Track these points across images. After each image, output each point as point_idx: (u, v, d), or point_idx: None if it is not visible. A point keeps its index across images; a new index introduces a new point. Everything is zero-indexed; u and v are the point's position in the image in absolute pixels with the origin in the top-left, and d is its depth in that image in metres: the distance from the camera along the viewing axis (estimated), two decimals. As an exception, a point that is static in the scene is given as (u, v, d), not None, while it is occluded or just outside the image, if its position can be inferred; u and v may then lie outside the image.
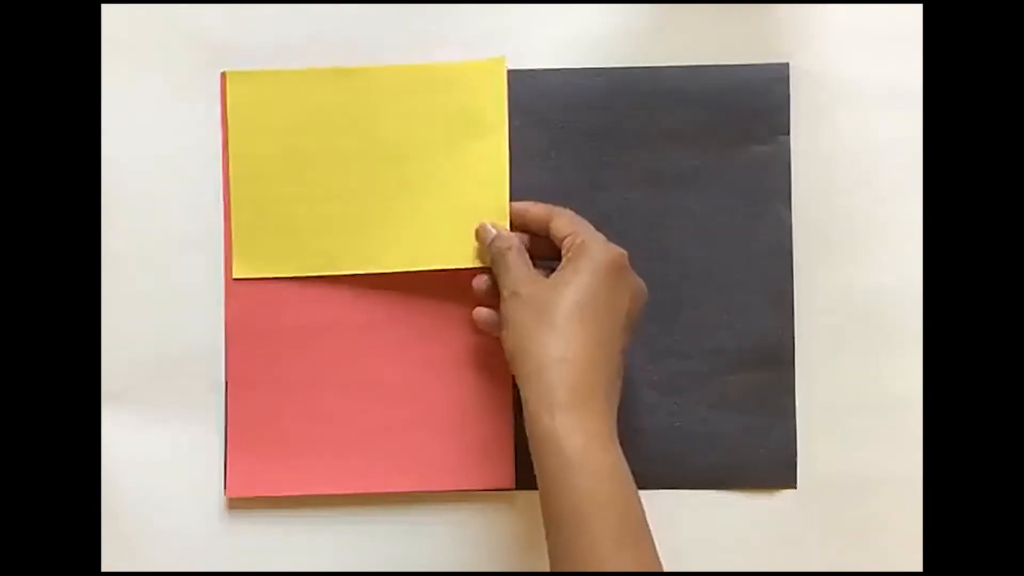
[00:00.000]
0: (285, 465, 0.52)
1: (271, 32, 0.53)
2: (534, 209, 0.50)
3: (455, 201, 0.52)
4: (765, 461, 0.52)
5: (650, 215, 0.52)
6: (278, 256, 0.52)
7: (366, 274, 0.52)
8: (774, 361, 0.52)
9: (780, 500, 0.52)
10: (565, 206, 0.52)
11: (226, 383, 0.52)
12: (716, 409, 0.52)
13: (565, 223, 0.48)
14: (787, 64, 0.52)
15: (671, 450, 0.52)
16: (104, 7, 0.52)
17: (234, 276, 0.52)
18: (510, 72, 0.52)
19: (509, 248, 0.48)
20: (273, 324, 0.52)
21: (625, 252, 0.47)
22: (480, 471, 0.52)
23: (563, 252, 0.48)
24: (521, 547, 0.52)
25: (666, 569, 0.51)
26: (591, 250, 0.46)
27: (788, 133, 0.52)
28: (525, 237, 0.50)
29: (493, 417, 0.52)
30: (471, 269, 0.51)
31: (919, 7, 0.52)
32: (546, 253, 0.49)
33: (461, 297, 0.52)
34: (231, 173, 0.52)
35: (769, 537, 0.52)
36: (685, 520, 0.52)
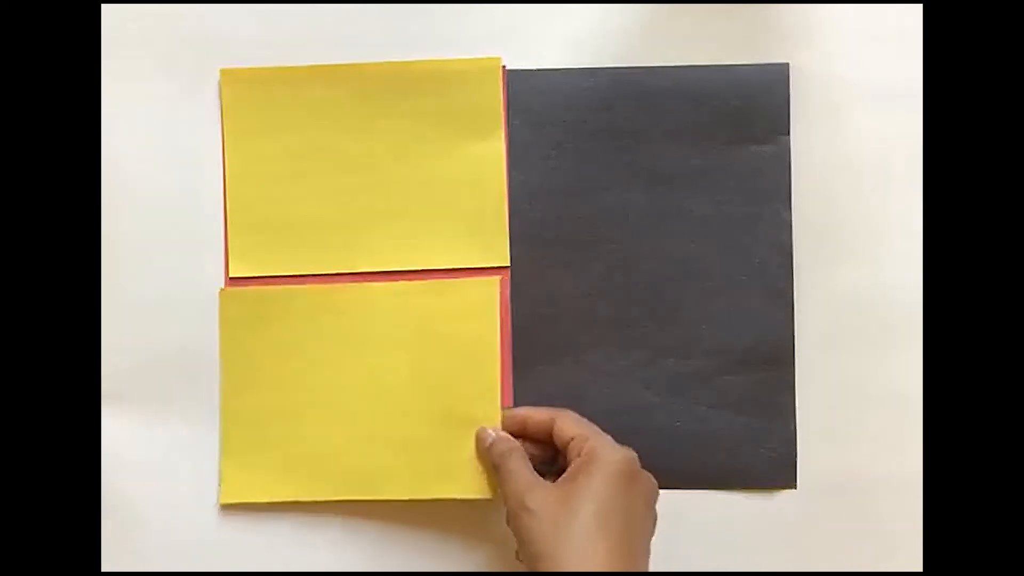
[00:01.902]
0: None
1: (272, 32, 0.53)
2: (535, 415, 0.49)
3: (452, 200, 0.52)
4: (765, 461, 0.52)
5: (650, 215, 0.52)
6: (275, 255, 0.52)
7: (365, 273, 0.52)
8: (774, 361, 0.52)
9: (780, 500, 0.52)
10: (565, 206, 0.52)
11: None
12: (716, 409, 0.52)
13: (569, 425, 0.48)
14: (787, 64, 0.52)
15: (671, 450, 0.52)
16: (104, 7, 0.52)
17: (231, 275, 0.52)
18: (510, 72, 0.52)
19: (510, 451, 0.48)
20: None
21: (634, 454, 0.46)
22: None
23: (569, 455, 0.47)
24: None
25: (666, 569, 0.51)
26: (602, 456, 0.45)
27: (788, 133, 0.52)
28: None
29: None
30: (469, 269, 0.52)
31: (919, 7, 0.52)
32: (545, 454, 0.49)
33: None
34: (227, 170, 0.52)
35: (769, 537, 0.52)
36: (685, 520, 0.52)
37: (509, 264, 0.52)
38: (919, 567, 0.51)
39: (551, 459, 0.49)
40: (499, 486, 0.48)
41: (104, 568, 0.51)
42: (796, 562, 0.52)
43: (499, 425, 0.50)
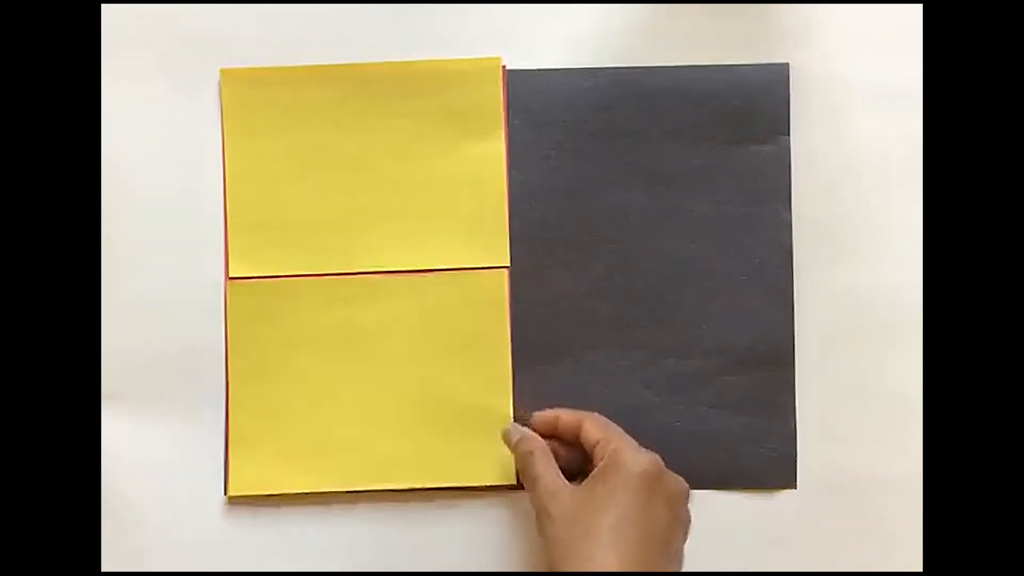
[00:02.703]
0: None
1: (271, 32, 0.53)
2: (564, 416, 0.49)
3: (452, 200, 0.52)
4: (765, 461, 0.52)
5: (650, 215, 0.52)
6: (275, 255, 0.52)
7: (365, 273, 0.52)
8: (774, 361, 0.52)
9: (780, 500, 0.52)
10: (565, 206, 0.52)
11: (227, 382, 0.52)
12: (716, 409, 0.52)
13: (596, 428, 0.48)
14: (787, 64, 0.52)
15: (671, 450, 0.52)
16: (104, 7, 0.52)
17: (231, 275, 0.52)
18: (510, 72, 0.52)
19: (533, 452, 0.48)
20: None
21: (658, 458, 0.46)
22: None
23: (594, 459, 0.47)
24: (521, 547, 0.52)
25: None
26: (624, 461, 0.45)
27: (788, 133, 0.52)
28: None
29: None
30: (469, 269, 0.52)
31: (919, 7, 0.52)
32: (575, 455, 0.49)
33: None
34: (227, 170, 0.52)
35: (769, 537, 0.52)
36: (685, 520, 0.52)
37: (509, 264, 0.52)
38: (919, 567, 0.51)
39: (582, 460, 0.49)
40: (524, 484, 0.48)
41: (104, 568, 0.51)
42: (796, 562, 0.52)
43: (511, 415, 0.51)
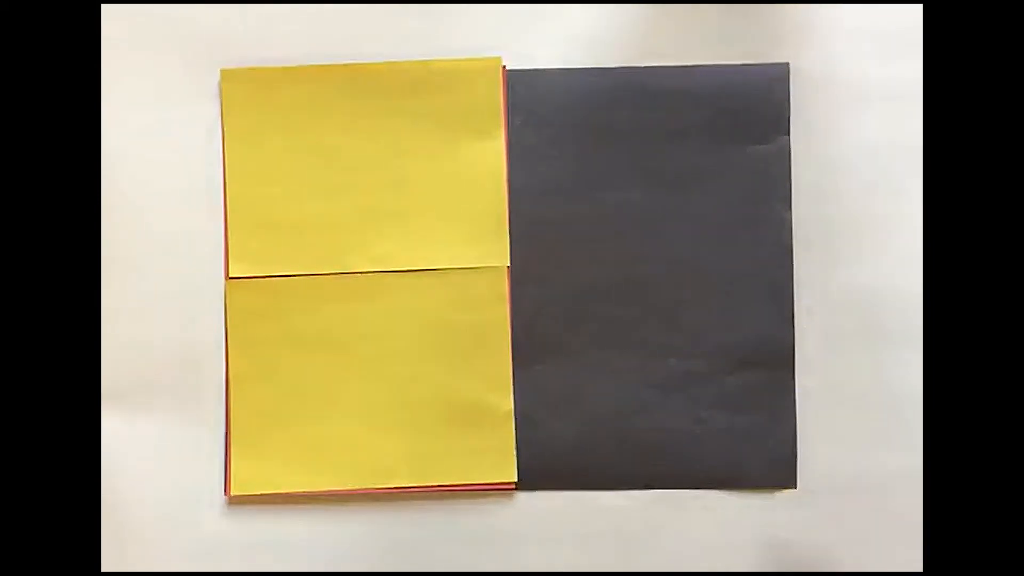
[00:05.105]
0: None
1: (271, 32, 0.53)
2: None
3: (452, 200, 0.52)
4: (765, 461, 0.52)
5: (650, 215, 0.52)
6: (275, 255, 0.52)
7: (365, 273, 0.52)
8: (774, 361, 0.52)
9: (780, 500, 0.52)
10: (565, 206, 0.52)
11: (227, 382, 0.52)
12: (716, 409, 0.52)
13: None
14: (787, 64, 0.52)
15: (671, 450, 0.52)
16: (104, 7, 0.52)
17: (231, 275, 0.52)
18: (510, 72, 0.52)
19: None
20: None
21: None
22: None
23: None
24: (521, 547, 0.52)
25: (666, 569, 0.51)
26: None
27: (788, 133, 0.52)
28: None
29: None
30: (469, 269, 0.52)
31: (919, 7, 0.52)
32: None
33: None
34: (227, 170, 0.52)
35: (769, 537, 0.52)
36: (685, 520, 0.52)
37: (509, 264, 0.52)
38: (919, 567, 0.51)
39: None
40: None
41: (104, 568, 0.51)
42: (796, 562, 0.52)
43: (511, 414, 0.51)
